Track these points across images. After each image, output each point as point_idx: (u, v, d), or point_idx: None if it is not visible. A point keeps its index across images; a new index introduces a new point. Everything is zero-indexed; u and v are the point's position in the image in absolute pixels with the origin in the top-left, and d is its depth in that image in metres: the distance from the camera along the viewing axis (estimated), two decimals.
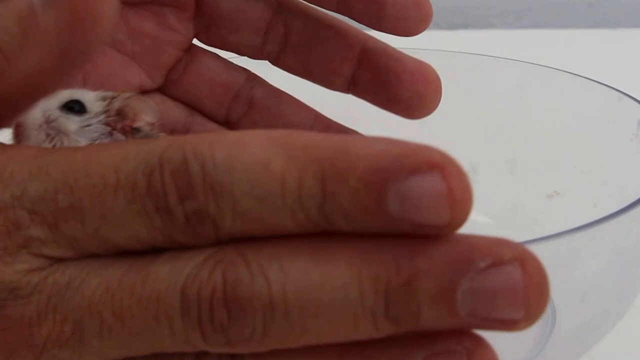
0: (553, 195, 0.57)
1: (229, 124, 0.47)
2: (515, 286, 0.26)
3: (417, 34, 0.42)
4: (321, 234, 0.27)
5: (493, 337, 0.45)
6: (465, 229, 0.57)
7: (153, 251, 0.29)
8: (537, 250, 0.40)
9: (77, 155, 0.29)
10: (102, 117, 0.38)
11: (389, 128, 0.58)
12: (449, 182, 0.25)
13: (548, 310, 0.47)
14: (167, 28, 0.45)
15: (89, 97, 0.38)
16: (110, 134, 0.38)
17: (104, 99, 0.38)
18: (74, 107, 0.38)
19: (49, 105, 0.38)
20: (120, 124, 0.38)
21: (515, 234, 0.41)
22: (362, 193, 0.26)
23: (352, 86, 0.44)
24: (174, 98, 0.46)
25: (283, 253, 0.27)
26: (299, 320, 0.27)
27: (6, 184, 0.29)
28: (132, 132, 0.38)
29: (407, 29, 0.41)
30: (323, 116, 0.47)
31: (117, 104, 0.38)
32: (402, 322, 0.27)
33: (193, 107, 0.46)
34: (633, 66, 0.88)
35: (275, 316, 0.27)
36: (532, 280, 0.26)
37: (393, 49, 0.43)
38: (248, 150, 0.27)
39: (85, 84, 0.44)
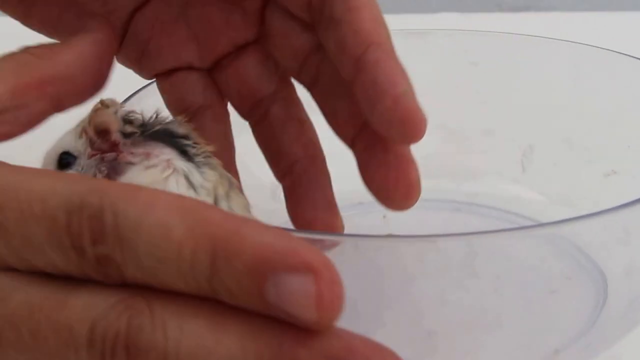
0: (610, 174, 0.58)
1: (247, 120, 0.49)
2: None
3: (402, 144, 0.42)
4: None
5: (546, 309, 0.46)
6: (523, 207, 0.58)
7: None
8: (590, 225, 0.41)
9: (14, 176, 0.32)
10: (88, 150, 0.38)
11: (453, 109, 0.59)
12: (320, 286, 0.28)
13: (600, 284, 0.48)
14: (230, 24, 0.47)
15: (71, 139, 0.39)
16: (102, 159, 0.38)
17: (81, 134, 0.39)
18: (67, 159, 0.38)
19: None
20: (105, 144, 0.38)
21: (572, 212, 0.42)
22: (244, 276, 0.29)
23: (352, 147, 0.45)
24: (213, 80, 0.49)
25: (185, 313, 0.30)
26: None
27: None
28: (125, 137, 0.38)
29: (393, 139, 0.41)
30: (315, 154, 0.49)
31: (90, 131, 0.38)
32: None
33: (224, 94, 0.49)
34: None
35: None
36: None
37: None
38: (156, 213, 0.30)
39: (148, 45, 0.47)
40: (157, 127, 0.38)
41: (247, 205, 0.40)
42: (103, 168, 0.38)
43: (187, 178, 0.37)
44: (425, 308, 0.44)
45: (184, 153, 0.38)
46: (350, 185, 0.55)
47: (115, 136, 0.38)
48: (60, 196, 0.31)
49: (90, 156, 0.38)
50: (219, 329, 0.30)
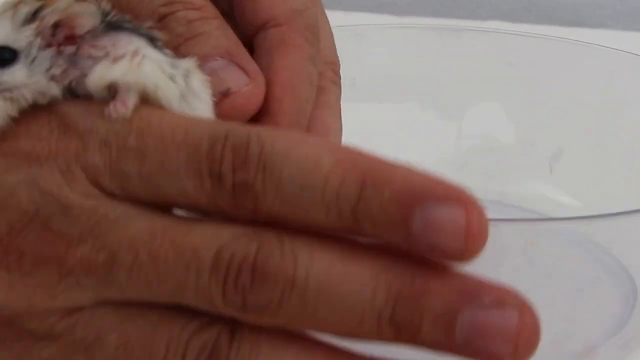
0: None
1: None
2: (511, 329, 0.29)
3: None
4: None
5: (574, 308, 0.47)
6: (549, 208, 0.58)
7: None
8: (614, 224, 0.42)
9: (156, 110, 0.33)
10: (39, 42, 0.33)
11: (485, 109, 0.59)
12: (469, 216, 0.29)
13: (628, 284, 0.48)
14: None
15: (7, 31, 0.33)
16: (59, 52, 0.33)
17: (25, 19, 0.33)
18: (5, 55, 0.33)
19: None
20: (60, 35, 0.33)
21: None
22: (392, 205, 0.29)
23: None
24: None
25: (315, 243, 0.31)
26: (312, 303, 0.30)
27: (91, 114, 0.32)
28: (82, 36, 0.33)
29: None
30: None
31: (51, 19, 0.33)
32: (403, 331, 0.30)
33: None
34: None
35: (293, 294, 0.30)
36: (526, 328, 0.29)
37: None
38: (305, 146, 0.31)
39: None
40: (122, 22, 0.34)
41: (206, 82, 0.36)
42: (61, 63, 0.33)
43: (160, 64, 0.33)
44: None
45: (153, 41, 0.34)
46: None
47: (78, 30, 0.33)
48: (205, 127, 0.32)
49: (45, 48, 0.33)
50: (350, 258, 0.30)
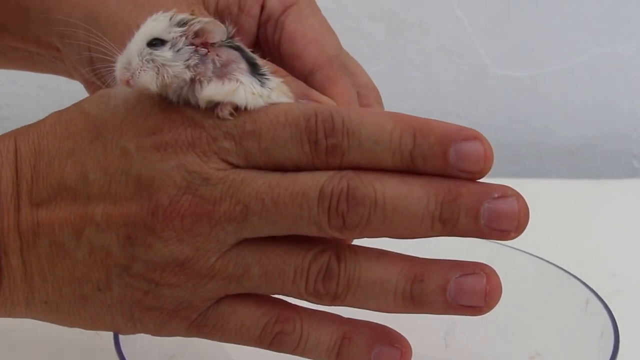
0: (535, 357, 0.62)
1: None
2: (513, 210, 0.45)
3: None
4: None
5: None
6: None
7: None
8: None
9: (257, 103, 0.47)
10: (185, 40, 0.47)
11: None
12: (485, 147, 0.45)
13: None
14: None
15: (163, 28, 0.48)
16: (196, 50, 0.47)
17: (179, 23, 0.47)
18: (156, 43, 0.47)
19: (137, 47, 0.47)
20: (199, 40, 0.47)
21: None
22: (436, 146, 0.45)
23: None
24: None
25: (383, 176, 0.45)
26: (390, 215, 0.45)
27: (209, 116, 0.47)
28: (211, 45, 0.48)
29: None
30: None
31: (195, 28, 0.47)
32: (448, 224, 0.45)
33: None
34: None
35: (376, 210, 0.45)
36: (522, 208, 0.45)
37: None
38: (371, 115, 0.46)
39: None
40: (236, 43, 0.49)
41: (287, 90, 0.50)
42: (195, 58, 0.47)
43: (251, 88, 0.47)
44: None
45: (254, 65, 0.49)
46: None
47: (212, 39, 0.48)
48: (298, 110, 0.46)
49: (187, 45, 0.47)
50: (408, 182, 0.45)
